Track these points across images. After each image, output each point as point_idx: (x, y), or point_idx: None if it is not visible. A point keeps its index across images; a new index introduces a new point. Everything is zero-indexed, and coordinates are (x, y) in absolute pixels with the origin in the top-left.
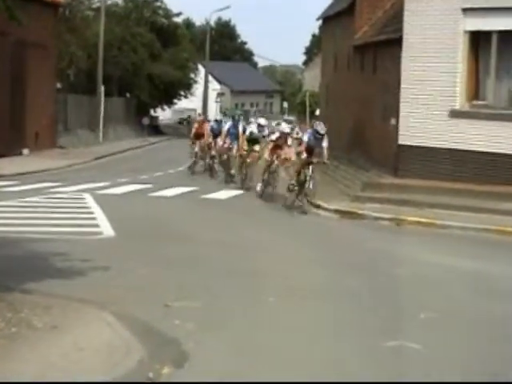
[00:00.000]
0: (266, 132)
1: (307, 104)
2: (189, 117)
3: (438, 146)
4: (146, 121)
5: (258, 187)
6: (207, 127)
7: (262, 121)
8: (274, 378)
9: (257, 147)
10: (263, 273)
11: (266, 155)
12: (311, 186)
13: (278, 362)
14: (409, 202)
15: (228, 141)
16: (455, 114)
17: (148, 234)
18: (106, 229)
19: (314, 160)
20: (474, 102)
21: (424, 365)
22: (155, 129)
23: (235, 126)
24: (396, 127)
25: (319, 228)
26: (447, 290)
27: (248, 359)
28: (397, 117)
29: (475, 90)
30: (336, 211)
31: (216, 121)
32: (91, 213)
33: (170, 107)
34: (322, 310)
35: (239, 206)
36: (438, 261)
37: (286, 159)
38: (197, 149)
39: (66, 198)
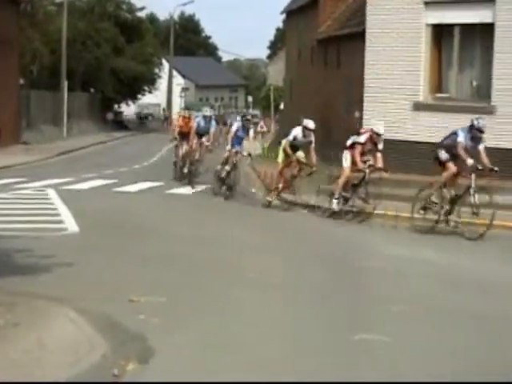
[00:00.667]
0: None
1: (271, 98)
2: (163, 110)
3: (402, 138)
4: (110, 116)
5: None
6: (193, 125)
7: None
8: (239, 373)
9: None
10: (228, 266)
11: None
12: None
13: (242, 358)
14: (375, 194)
15: (237, 147)
16: (418, 107)
17: (113, 229)
18: (71, 225)
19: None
20: (437, 95)
21: (392, 357)
22: (119, 124)
23: (244, 127)
24: (360, 120)
25: (286, 221)
26: (416, 282)
27: (213, 354)
28: (360, 110)
29: (438, 83)
30: (302, 205)
31: (204, 117)
32: (55, 209)
33: (134, 102)
34: (290, 303)
35: (204, 200)
36: (405, 253)
37: None
38: (182, 152)
39: (30, 194)
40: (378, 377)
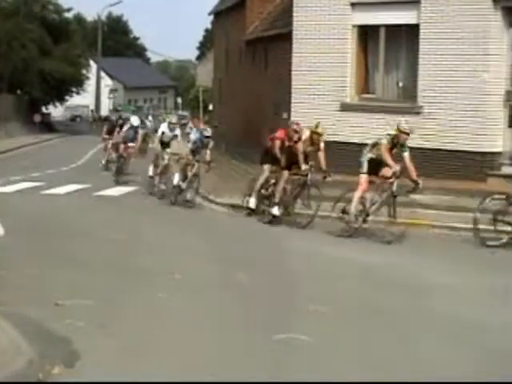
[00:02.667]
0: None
1: (200, 99)
2: (92, 112)
3: (329, 139)
4: (37, 118)
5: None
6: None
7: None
8: (164, 375)
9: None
10: (154, 269)
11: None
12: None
13: (166, 360)
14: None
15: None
16: (345, 107)
17: (40, 232)
18: None
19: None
20: (364, 95)
21: (312, 356)
22: (47, 126)
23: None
24: (288, 121)
25: (210, 222)
26: (339, 282)
27: (138, 357)
28: (289, 110)
29: (365, 84)
30: (228, 205)
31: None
32: None
33: (62, 104)
34: (211, 304)
35: (132, 202)
36: (328, 254)
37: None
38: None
39: None
40: (296, 376)
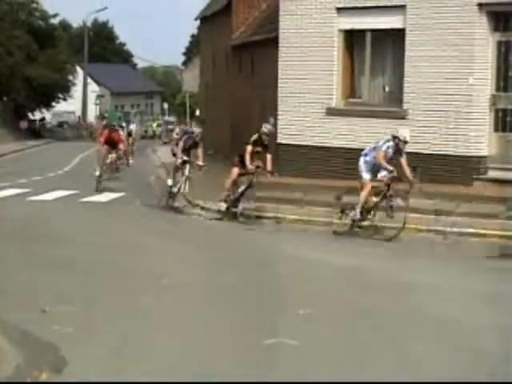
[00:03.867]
0: None
1: (187, 105)
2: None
3: (316, 144)
4: (24, 124)
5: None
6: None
7: None
8: (153, 380)
9: None
10: (141, 273)
11: None
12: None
13: (154, 364)
14: (289, 200)
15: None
16: (332, 112)
17: (26, 238)
18: None
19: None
20: (350, 100)
21: (300, 361)
22: (34, 132)
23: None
24: (275, 126)
25: (200, 228)
26: (326, 286)
27: (126, 362)
28: (275, 116)
29: (351, 88)
30: (217, 211)
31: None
32: None
33: (48, 110)
34: (199, 309)
35: (119, 208)
36: (317, 258)
37: None
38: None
39: None
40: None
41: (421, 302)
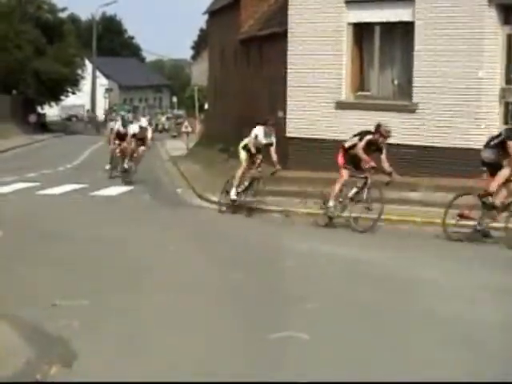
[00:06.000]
0: None
1: (196, 98)
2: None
3: (325, 137)
4: (32, 118)
5: None
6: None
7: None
8: (160, 376)
9: None
10: (149, 269)
11: None
12: None
13: (162, 359)
14: (298, 193)
15: None
16: (341, 106)
17: (35, 232)
18: None
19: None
20: (359, 93)
21: (311, 354)
22: (43, 126)
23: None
24: (284, 120)
25: (208, 221)
26: (335, 280)
27: (136, 356)
28: (284, 109)
29: (360, 82)
30: (226, 204)
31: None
32: None
33: (57, 104)
34: (208, 304)
35: (129, 202)
36: (326, 251)
37: None
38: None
39: None
40: (300, 376)
41: (428, 299)
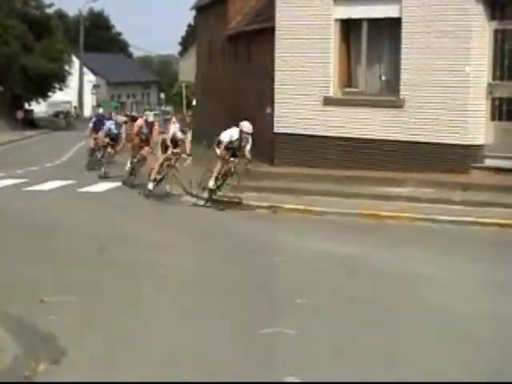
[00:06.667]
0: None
1: (184, 95)
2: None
3: (313, 133)
4: (20, 114)
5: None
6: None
7: None
8: (152, 372)
9: None
10: (139, 264)
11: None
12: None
13: (153, 356)
14: (285, 189)
15: None
16: (328, 102)
17: (23, 228)
18: None
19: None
20: (347, 89)
21: (297, 350)
22: (30, 122)
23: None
24: (271, 116)
25: (196, 217)
26: (323, 275)
27: (124, 353)
28: (272, 105)
29: (347, 78)
30: (213, 200)
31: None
32: None
33: (44, 100)
34: (197, 299)
35: (116, 198)
36: (314, 247)
37: None
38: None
39: None
40: (287, 369)
41: (420, 292)
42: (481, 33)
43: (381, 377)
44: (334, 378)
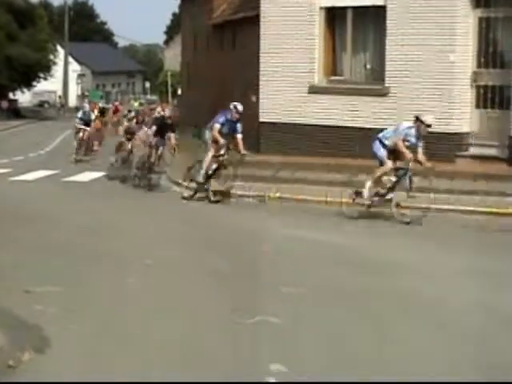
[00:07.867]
0: None
1: (169, 84)
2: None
3: (298, 121)
4: (4, 104)
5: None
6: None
7: None
8: (137, 362)
9: None
10: (124, 254)
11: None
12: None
13: (139, 347)
14: (272, 178)
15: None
16: (314, 90)
17: (7, 218)
18: None
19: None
20: (332, 78)
21: (282, 338)
22: (15, 112)
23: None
24: (256, 104)
25: (182, 206)
26: (309, 264)
27: (110, 343)
28: (257, 93)
29: (332, 66)
30: (203, 190)
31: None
32: None
33: (29, 90)
34: (182, 289)
35: (100, 187)
36: (300, 236)
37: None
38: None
39: None
40: (272, 358)
41: (406, 281)
42: (465, 21)
43: (364, 363)
44: (319, 367)
